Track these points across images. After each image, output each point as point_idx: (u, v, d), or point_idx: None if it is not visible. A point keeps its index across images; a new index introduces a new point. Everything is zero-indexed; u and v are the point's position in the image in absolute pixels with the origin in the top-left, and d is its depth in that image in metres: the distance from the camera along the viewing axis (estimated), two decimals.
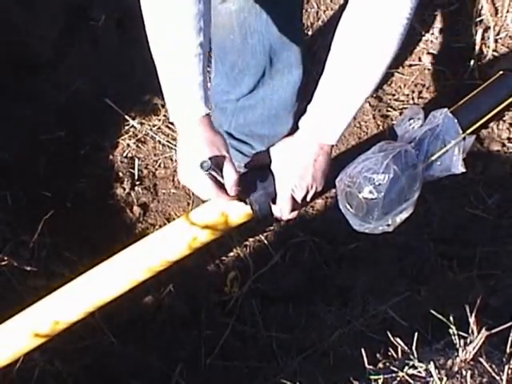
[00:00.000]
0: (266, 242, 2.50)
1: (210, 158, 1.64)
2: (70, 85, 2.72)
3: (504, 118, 2.70)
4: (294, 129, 2.32)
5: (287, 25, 2.09)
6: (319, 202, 2.56)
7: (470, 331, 1.46)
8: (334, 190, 2.31)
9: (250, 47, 2.09)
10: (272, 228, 2.52)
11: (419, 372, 1.44)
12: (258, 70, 2.17)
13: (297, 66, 2.21)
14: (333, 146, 1.74)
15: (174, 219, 2.53)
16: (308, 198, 1.79)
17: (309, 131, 1.72)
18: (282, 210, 1.79)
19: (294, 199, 1.77)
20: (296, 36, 2.15)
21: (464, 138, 1.84)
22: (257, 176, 1.78)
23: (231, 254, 2.49)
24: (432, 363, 1.41)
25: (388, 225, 1.78)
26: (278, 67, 2.18)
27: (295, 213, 1.83)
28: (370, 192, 1.71)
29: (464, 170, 1.85)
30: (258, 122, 2.30)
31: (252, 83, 2.20)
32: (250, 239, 2.51)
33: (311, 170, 1.73)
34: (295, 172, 1.74)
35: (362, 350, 1.50)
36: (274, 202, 1.78)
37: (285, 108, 2.28)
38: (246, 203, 1.76)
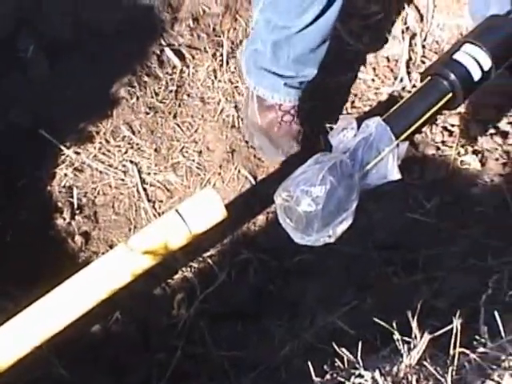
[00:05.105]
0: (210, 261, 2.49)
1: None
2: (3, 117, 2.69)
3: (437, 122, 2.74)
4: None
5: None
6: (260, 218, 2.56)
7: (412, 336, 1.48)
8: (273, 205, 2.33)
9: None
10: (215, 247, 2.52)
11: (366, 380, 1.44)
12: None
13: None
14: None
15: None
16: None
17: None
18: None
19: None
20: None
21: (397, 145, 1.86)
22: None
23: (177, 276, 2.47)
24: (377, 371, 1.42)
25: (329, 236, 1.78)
26: None
27: None
28: (309, 205, 1.71)
29: (400, 177, 1.86)
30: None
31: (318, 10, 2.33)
32: (195, 260, 2.50)
33: None
34: None
35: (309, 362, 1.50)
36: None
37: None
38: None
